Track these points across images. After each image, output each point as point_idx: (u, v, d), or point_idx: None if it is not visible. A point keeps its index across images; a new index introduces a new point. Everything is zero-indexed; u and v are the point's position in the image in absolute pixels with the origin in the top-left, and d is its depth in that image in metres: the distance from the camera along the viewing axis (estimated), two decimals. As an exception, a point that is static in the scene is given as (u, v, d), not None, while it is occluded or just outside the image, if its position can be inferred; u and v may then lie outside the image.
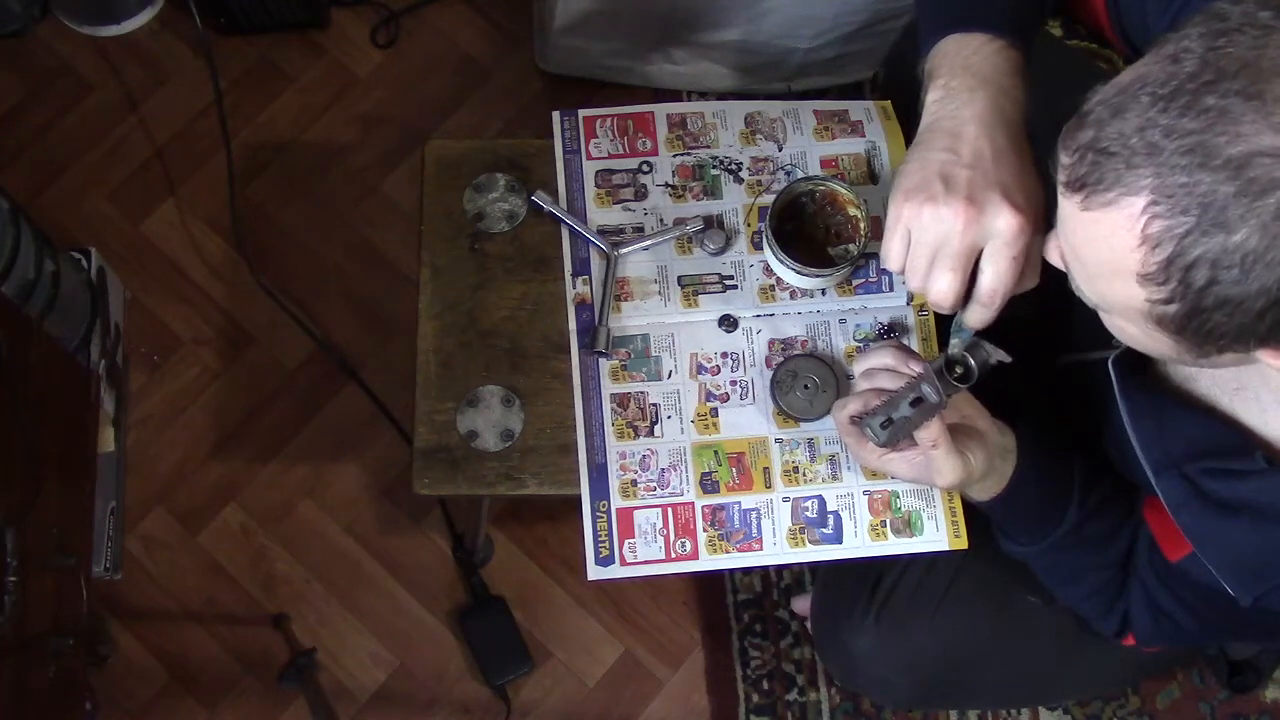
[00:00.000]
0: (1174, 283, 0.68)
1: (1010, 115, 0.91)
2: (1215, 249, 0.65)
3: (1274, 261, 0.64)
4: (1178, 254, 0.66)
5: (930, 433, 0.93)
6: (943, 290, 0.90)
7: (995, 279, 0.89)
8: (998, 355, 0.92)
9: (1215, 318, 0.68)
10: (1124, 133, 0.67)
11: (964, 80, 0.91)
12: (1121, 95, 0.68)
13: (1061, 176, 0.72)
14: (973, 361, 0.92)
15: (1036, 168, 0.91)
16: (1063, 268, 0.80)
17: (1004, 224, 0.87)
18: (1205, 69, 0.65)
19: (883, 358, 0.99)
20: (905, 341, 1.11)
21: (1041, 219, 0.89)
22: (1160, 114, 0.66)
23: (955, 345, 0.94)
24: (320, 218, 1.81)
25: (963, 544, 1.07)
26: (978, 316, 0.92)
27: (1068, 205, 0.72)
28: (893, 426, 0.94)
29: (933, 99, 0.93)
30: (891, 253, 0.92)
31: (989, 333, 0.93)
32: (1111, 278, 0.72)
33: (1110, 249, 0.70)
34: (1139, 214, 0.67)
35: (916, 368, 0.95)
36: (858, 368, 1.02)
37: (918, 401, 0.93)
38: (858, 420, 0.97)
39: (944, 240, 0.88)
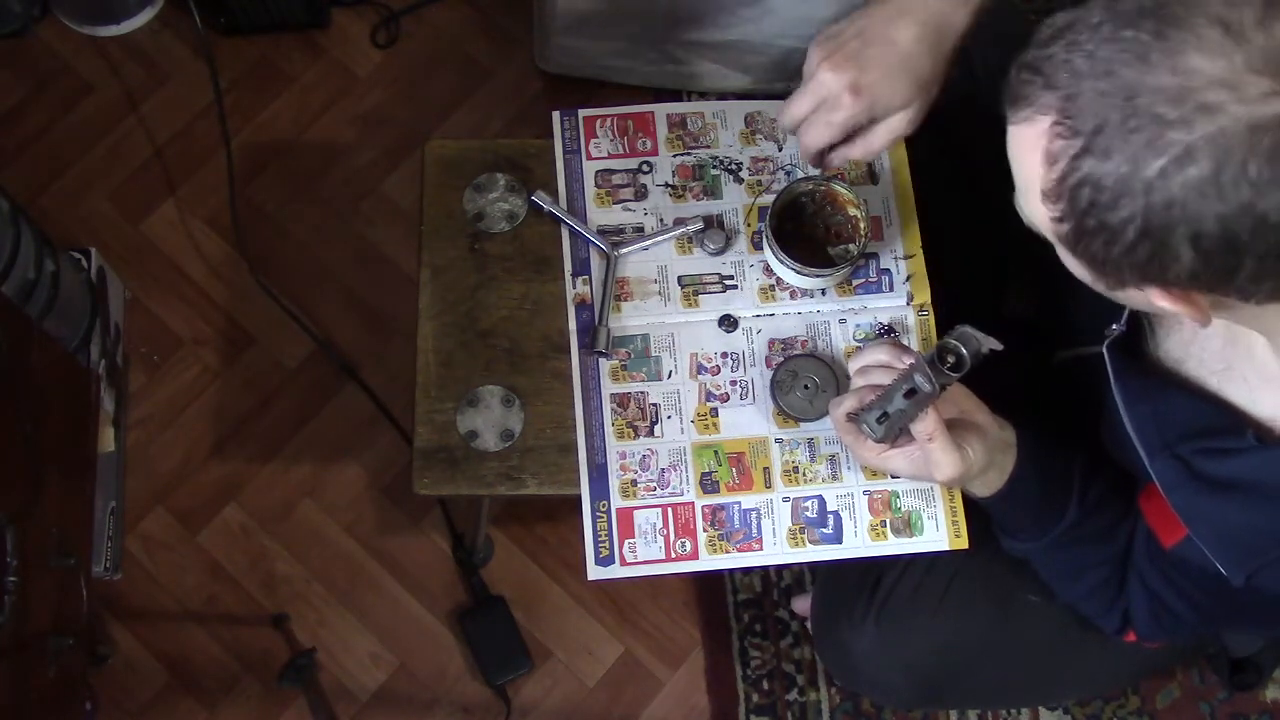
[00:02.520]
0: (1064, 201, 0.70)
1: (944, 29, 0.97)
2: (1096, 172, 0.67)
3: (1137, 191, 0.66)
4: (1068, 172, 0.69)
5: (926, 426, 0.93)
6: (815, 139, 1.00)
7: (870, 149, 1.01)
8: (989, 343, 0.92)
9: (1096, 243, 0.70)
10: (1054, 53, 0.70)
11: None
12: (1069, 15, 0.71)
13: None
14: (964, 350, 0.92)
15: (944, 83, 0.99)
16: None
17: (897, 119, 0.98)
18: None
19: (877, 354, 1.00)
20: (904, 342, 1.11)
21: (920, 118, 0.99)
22: (1088, 39, 0.68)
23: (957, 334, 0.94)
24: (320, 217, 1.81)
25: (963, 544, 1.07)
26: (844, 156, 1.03)
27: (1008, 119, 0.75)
28: (888, 420, 0.94)
29: None
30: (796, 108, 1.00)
31: (986, 328, 0.93)
32: (1028, 192, 0.74)
33: (1026, 164, 0.72)
34: (1046, 130, 0.70)
35: (909, 361, 0.96)
36: (853, 366, 1.02)
37: (911, 393, 0.93)
38: (854, 417, 0.97)
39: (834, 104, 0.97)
